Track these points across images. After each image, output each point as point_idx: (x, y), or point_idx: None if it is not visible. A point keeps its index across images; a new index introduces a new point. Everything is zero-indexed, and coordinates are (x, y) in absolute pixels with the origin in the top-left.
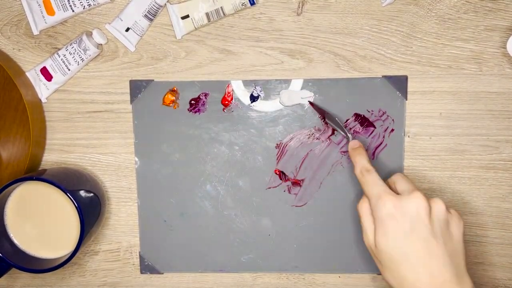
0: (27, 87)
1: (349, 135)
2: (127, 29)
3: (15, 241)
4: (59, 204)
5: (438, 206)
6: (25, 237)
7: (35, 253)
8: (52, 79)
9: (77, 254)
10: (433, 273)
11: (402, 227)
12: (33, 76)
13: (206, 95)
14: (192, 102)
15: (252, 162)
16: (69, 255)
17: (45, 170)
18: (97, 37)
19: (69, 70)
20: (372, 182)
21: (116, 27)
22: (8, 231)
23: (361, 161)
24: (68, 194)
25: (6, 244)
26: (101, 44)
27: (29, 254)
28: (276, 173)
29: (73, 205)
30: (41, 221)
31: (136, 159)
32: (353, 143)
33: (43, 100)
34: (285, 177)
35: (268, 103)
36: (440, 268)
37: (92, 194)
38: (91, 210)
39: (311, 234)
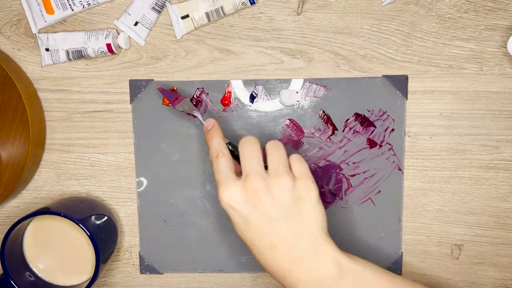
0: (27, 87)
1: (201, 118)
2: (136, 23)
3: (36, 272)
4: (74, 232)
5: (277, 185)
6: (45, 267)
7: (56, 282)
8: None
9: (97, 278)
10: (283, 255)
11: (240, 218)
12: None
13: (207, 94)
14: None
15: None
16: (89, 280)
17: (59, 200)
18: (121, 40)
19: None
20: (217, 169)
21: (125, 22)
22: (28, 263)
23: (214, 143)
24: (81, 225)
25: (28, 276)
26: (121, 48)
27: (51, 283)
28: None
29: (87, 234)
30: (59, 250)
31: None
32: (207, 123)
33: (34, 31)
34: None
35: (268, 103)
36: (288, 248)
37: (105, 218)
38: (105, 235)
39: None
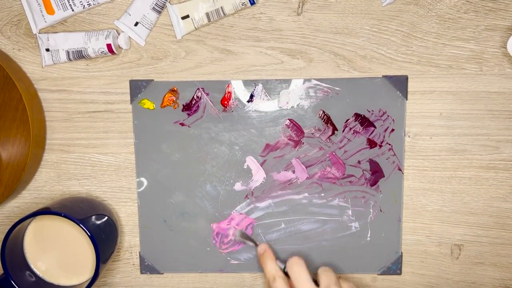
0: (27, 87)
1: (256, 243)
2: (136, 24)
3: (37, 272)
4: (75, 232)
5: None
6: (46, 267)
7: (56, 282)
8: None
9: (98, 278)
10: None
11: None
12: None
13: (207, 94)
14: (186, 105)
15: None
16: (89, 280)
17: (59, 200)
18: (121, 41)
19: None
20: None
21: (125, 22)
22: (29, 263)
23: (268, 268)
24: (81, 225)
25: (28, 276)
26: (121, 48)
27: (52, 283)
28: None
29: (87, 234)
30: (60, 250)
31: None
32: (260, 249)
33: (35, 31)
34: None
35: (268, 103)
36: None
37: (106, 218)
38: (105, 235)
39: (311, 234)
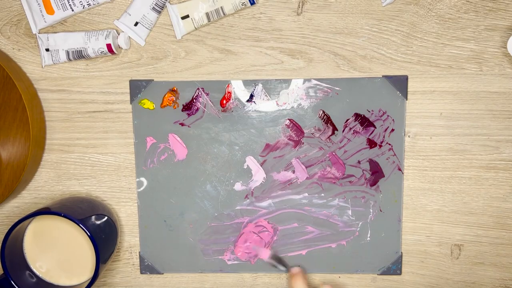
0: (27, 87)
1: (288, 268)
2: (136, 24)
3: (36, 272)
4: (74, 232)
5: None
6: (45, 267)
7: (56, 282)
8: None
9: (98, 278)
10: None
11: None
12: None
13: (207, 94)
14: (186, 105)
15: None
16: (89, 280)
17: (59, 200)
18: (121, 41)
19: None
20: None
21: (125, 22)
22: (29, 263)
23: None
24: (81, 225)
25: (28, 276)
26: (121, 48)
27: (51, 284)
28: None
29: (87, 234)
30: (59, 250)
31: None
32: (294, 269)
33: (34, 31)
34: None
35: (268, 103)
36: None
37: (105, 218)
38: (105, 235)
39: (311, 234)
